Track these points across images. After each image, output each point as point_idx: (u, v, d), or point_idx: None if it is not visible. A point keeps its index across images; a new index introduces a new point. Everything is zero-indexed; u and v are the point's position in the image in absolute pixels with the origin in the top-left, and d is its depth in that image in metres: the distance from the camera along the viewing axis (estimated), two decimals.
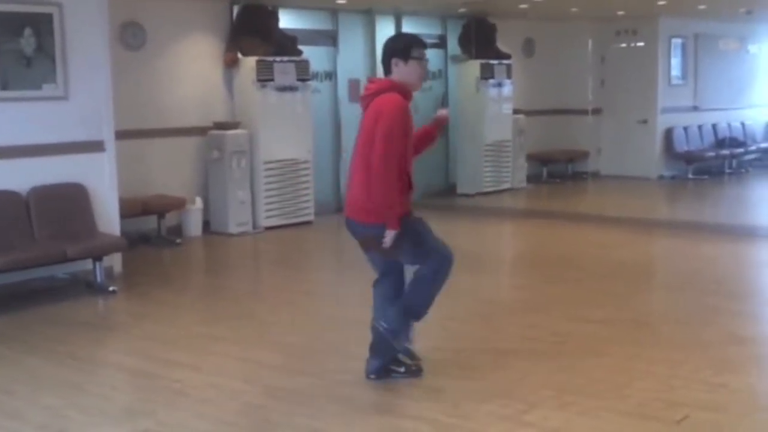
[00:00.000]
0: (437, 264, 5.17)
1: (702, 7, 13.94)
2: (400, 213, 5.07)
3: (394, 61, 5.11)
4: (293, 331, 6.65)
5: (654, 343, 6.18)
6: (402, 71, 5.10)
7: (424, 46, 5.23)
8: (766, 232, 10.57)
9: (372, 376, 5.34)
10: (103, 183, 8.34)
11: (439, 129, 5.52)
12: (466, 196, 13.59)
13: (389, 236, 5.00)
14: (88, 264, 7.94)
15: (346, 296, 8.03)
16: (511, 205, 13.43)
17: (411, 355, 5.44)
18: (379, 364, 5.34)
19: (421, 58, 5.14)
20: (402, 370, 5.35)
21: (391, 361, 5.36)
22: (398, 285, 5.39)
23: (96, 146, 8.28)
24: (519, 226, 12.13)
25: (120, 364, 6.13)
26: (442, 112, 5.56)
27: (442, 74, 14.21)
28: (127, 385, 5.70)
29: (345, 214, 5.31)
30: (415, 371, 5.38)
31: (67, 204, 8.00)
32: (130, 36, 10.15)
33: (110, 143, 8.38)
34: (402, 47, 5.14)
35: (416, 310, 5.26)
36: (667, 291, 8.13)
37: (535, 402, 4.98)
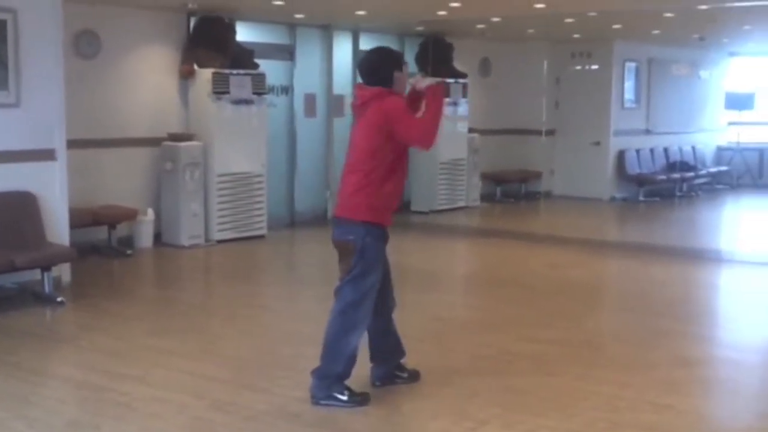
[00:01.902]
0: (352, 315, 5.16)
1: (656, 32, 14.15)
2: (389, 223, 5.19)
3: (396, 74, 5.23)
4: (243, 345, 6.61)
5: (602, 364, 6.23)
6: (396, 82, 5.23)
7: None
8: (715, 255, 10.72)
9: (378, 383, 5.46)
10: (53, 192, 8.24)
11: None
12: (420, 213, 13.61)
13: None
14: (36, 274, 7.83)
15: (298, 311, 8.00)
16: (465, 224, 13.48)
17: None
18: (383, 371, 5.47)
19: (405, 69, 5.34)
20: (345, 398, 5.20)
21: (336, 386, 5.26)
22: (381, 293, 5.33)
23: (47, 155, 8.19)
24: (472, 245, 12.18)
25: (67, 376, 6.05)
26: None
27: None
28: (74, 397, 5.62)
29: (335, 213, 5.31)
30: (360, 401, 5.23)
31: (16, 213, 7.87)
32: (85, 44, 10.05)
33: (62, 152, 8.29)
34: (397, 59, 5.31)
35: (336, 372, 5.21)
36: (616, 312, 8.21)
37: (484, 420, 4.99)
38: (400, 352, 5.55)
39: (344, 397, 5.18)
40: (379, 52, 5.43)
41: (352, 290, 5.17)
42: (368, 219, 5.10)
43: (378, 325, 5.38)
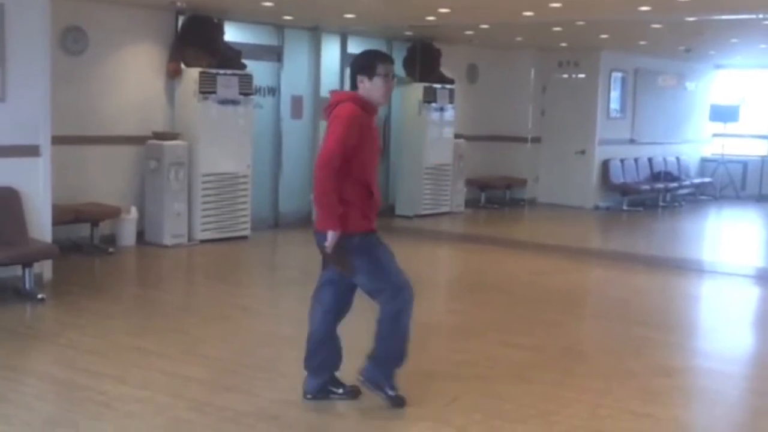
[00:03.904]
0: (394, 303, 5.12)
1: (643, 43, 14.22)
2: (364, 228, 5.07)
3: (359, 77, 5.12)
4: (224, 346, 6.58)
5: (583, 372, 6.24)
6: (367, 87, 5.10)
7: (391, 62, 5.24)
8: (697, 265, 10.75)
9: (309, 396, 5.28)
10: (36, 188, 8.19)
11: None
12: (405, 217, 13.61)
13: (330, 238, 4.93)
14: (17, 270, 7.79)
15: (279, 313, 7.99)
16: (449, 229, 13.49)
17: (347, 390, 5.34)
18: (317, 383, 5.29)
19: (387, 75, 5.13)
20: (340, 391, 5.29)
21: (329, 382, 5.31)
22: (341, 296, 5.26)
23: (31, 151, 8.14)
24: (455, 250, 12.19)
25: (45, 374, 6.01)
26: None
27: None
28: (52, 395, 5.58)
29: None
30: (352, 393, 5.31)
31: None
32: (72, 41, 10.01)
33: (46, 148, 8.24)
34: (367, 64, 5.14)
35: (394, 358, 5.22)
36: (598, 320, 8.23)
37: (464, 426, 4.99)
38: (337, 360, 5.36)
39: (391, 392, 5.20)
40: (356, 56, 5.34)
41: (367, 282, 5.13)
42: (354, 230, 5.04)
43: (323, 329, 5.28)
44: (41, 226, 8.24)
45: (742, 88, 18.24)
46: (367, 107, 5.11)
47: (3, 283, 7.96)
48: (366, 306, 5.31)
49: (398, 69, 14.10)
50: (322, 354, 5.29)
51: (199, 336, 6.90)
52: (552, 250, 11.37)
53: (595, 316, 8.46)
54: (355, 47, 12.97)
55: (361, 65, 5.16)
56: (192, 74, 10.69)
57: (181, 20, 10.93)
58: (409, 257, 10.76)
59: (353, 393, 5.34)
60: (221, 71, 10.82)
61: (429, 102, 13.75)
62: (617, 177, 15.78)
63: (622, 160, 16.00)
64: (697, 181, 17.64)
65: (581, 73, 15.65)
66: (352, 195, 5.03)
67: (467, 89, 15.18)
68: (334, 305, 5.27)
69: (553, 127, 15.84)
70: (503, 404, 5.39)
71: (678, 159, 17.41)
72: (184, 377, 5.75)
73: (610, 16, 11.01)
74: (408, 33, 13.59)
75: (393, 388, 5.22)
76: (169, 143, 10.48)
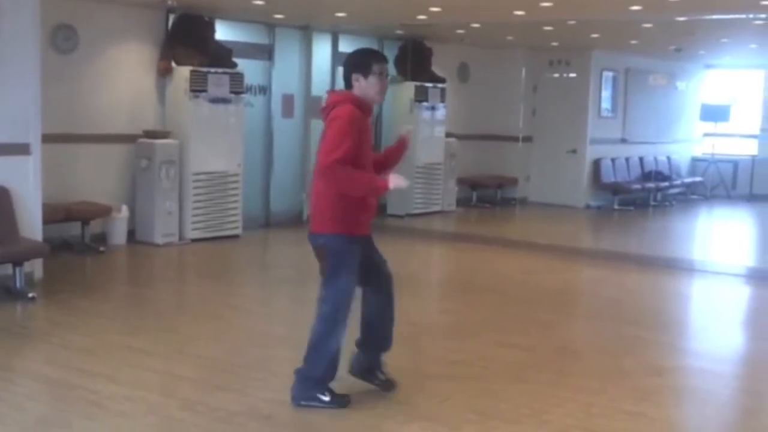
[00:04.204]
0: (325, 324, 5.12)
1: (634, 42, 14.24)
2: (347, 231, 5.06)
3: (354, 76, 5.10)
4: (216, 345, 6.56)
5: (576, 371, 6.24)
6: (362, 86, 5.09)
7: (385, 61, 5.24)
8: (688, 264, 10.77)
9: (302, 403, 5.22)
10: (27, 187, 8.16)
11: (402, 149, 5.53)
12: (396, 216, 13.60)
13: (396, 181, 4.92)
14: (8, 269, 7.75)
15: (271, 312, 7.96)
16: (440, 228, 13.49)
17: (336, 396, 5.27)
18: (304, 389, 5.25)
19: (381, 73, 5.12)
20: (327, 399, 5.19)
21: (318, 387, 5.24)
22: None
23: (22, 149, 8.11)
24: (447, 249, 12.18)
25: (36, 373, 5.98)
26: (404, 133, 5.59)
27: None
28: (44, 394, 5.56)
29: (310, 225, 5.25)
30: (341, 401, 5.20)
31: None
32: (62, 39, 9.97)
33: (36, 147, 8.21)
34: (362, 62, 5.12)
35: (315, 377, 5.16)
36: (590, 319, 8.23)
37: (458, 425, 4.99)
38: (386, 343, 5.45)
39: (326, 398, 5.14)
40: (350, 54, 5.32)
41: (327, 293, 5.15)
42: (332, 231, 5.06)
43: (372, 307, 5.34)
44: (32, 224, 8.20)
45: (732, 87, 18.30)
46: (363, 107, 5.10)
47: None
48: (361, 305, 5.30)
49: (389, 68, 14.05)
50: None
51: (190, 335, 6.89)
52: (544, 250, 11.37)
53: (587, 316, 8.47)
54: (346, 46, 12.96)
55: (356, 63, 5.14)
56: (183, 72, 10.66)
57: (171, 18, 10.90)
58: (401, 257, 10.79)
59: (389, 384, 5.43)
60: (212, 70, 10.79)
61: (420, 101, 13.75)
62: (608, 176, 15.81)
63: (613, 160, 16.03)
64: (687, 180, 17.68)
65: (572, 72, 15.67)
66: (345, 197, 5.03)
67: (458, 88, 15.18)
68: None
69: (545, 126, 15.85)
70: (497, 404, 5.38)
71: (669, 158, 17.45)
72: (176, 376, 5.73)
73: (601, 15, 11.03)
74: (399, 32, 13.58)
75: (325, 393, 5.17)
76: (160, 142, 10.45)
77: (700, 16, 10.74)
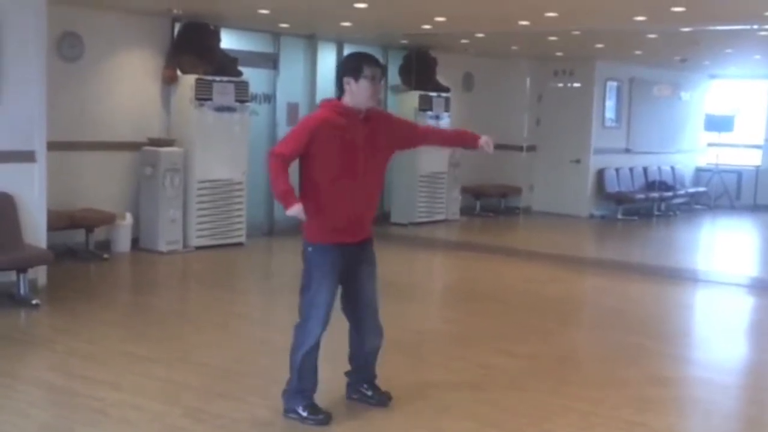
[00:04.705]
0: (296, 333, 5.12)
1: (638, 52, 14.25)
2: (321, 240, 5.00)
3: (345, 79, 5.00)
4: (219, 353, 6.57)
5: (577, 380, 6.24)
6: (353, 90, 4.97)
7: (378, 65, 5.09)
8: (692, 274, 10.76)
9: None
10: (32, 194, 8.18)
11: (473, 148, 5.69)
12: (400, 225, 13.61)
13: (293, 211, 4.82)
14: (12, 276, 7.78)
15: (274, 320, 7.97)
16: (444, 237, 13.49)
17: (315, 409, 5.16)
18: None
19: (373, 77, 4.99)
20: (303, 414, 5.06)
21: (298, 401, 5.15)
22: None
23: (27, 156, 8.14)
24: (450, 258, 12.18)
25: (39, 380, 6.00)
26: (482, 142, 5.68)
27: (381, 103, 14.25)
28: (46, 401, 5.58)
29: None
30: (319, 419, 5.07)
31: None
32: (68, 47, 10.01)
33: (41, 154, 8.24)
34: (353, 66, 5.01)
35: (292, 387, 5.14)
36: (592, 329, 8.24)
37: None
38: (365, 375, 5.42)
39: (303, 413, 5.05)
40: (344, 58, 5.27)
41: (299, 304, 5.13)
42: (307, 238, 5.04)
43: (351, 338, 5.34)
44: (36, 231, 8.23)
45: (736, 98, 18.30)
46: (347, 114, 4.99)
47: None
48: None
49: (394, 77, 14.14)
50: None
51: (194, 343, 6.90)
52: (547, 259, 11.37)
53: (589, 325, 8.47)
54: None
55: (347, 67, 5.06)
56: (188, 81, 10.70)
57: (177, 27, 10.95)
58: (404, 265, 10.83)
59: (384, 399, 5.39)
60: (217, 78, 10.83)
61: (425, 110, 13.76)
62: (612, 186, 15.80)
63: (617, 169, 16.03)
64: (691, 190, 17.67)
65: (576, 82, 15.68)
66: (314, 202, 4.96)
67: (463, 98, 15.20)
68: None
69: (549, 135, 15.86)
70: (497, 412, 5.39)
71: (673, 168, 17.45)
72: (179, 384, 5.75)
73: (605, 25, 11.04)
74: (404, 41, 13.60)
75: (304, 408, 5.09)
76: (165, 149, 10.49)
77: (704, 27, 10.74)
